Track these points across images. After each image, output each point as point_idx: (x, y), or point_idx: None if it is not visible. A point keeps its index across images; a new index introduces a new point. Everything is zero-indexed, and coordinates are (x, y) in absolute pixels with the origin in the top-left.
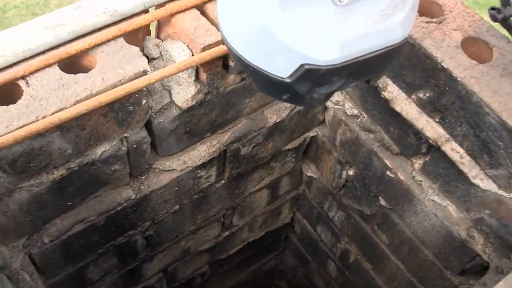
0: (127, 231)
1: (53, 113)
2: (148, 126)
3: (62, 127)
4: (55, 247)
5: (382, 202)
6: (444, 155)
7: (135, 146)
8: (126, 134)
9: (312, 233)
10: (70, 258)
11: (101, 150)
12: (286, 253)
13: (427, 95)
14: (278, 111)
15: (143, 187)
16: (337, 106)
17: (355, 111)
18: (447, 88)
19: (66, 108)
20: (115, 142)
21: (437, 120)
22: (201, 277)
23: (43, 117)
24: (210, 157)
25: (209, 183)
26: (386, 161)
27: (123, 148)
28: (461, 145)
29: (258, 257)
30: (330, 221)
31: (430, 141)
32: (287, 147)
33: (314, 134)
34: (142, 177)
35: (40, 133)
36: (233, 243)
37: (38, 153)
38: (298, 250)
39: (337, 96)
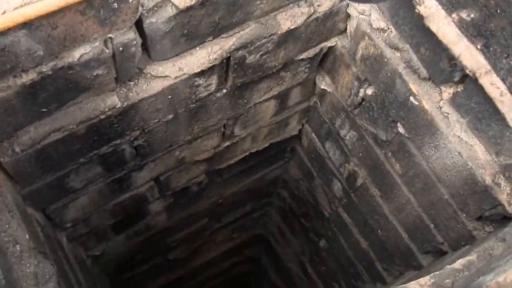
0: (112, 141)
1: (15, 9)
2: (139, 26)
3: (29, 25)
4: (28, 156)
5: (401, 129)
6: (480, 88)
7: (121, 48)
8: (110, 35)
9: (320, 149)
10: (47, 168)
11: (80, 52)
12: (291, 164)
13: (472, 16)
14: (293, 17)
15: (131, 94)
16: (362, 16)
17: (382, 24)
18: (498, 11)
19: (32, 2)
20: (96, 44)
21: (479, 47)
22: (198, 186)
23: (3, 13)
24: (211, 65)
25: (209, 92)
26: (411, 86)
27: (107, 50)
28: (503, 80)
29: (260, 167)
30: (341, 139)
31: (467, 70)
32: (301, 57)
33: (333, 45)
34: (131, 83)
35: (1, 31)
36: (234, 153)
37: (1, 54)
38: (304, 164)
39: (364, 5)
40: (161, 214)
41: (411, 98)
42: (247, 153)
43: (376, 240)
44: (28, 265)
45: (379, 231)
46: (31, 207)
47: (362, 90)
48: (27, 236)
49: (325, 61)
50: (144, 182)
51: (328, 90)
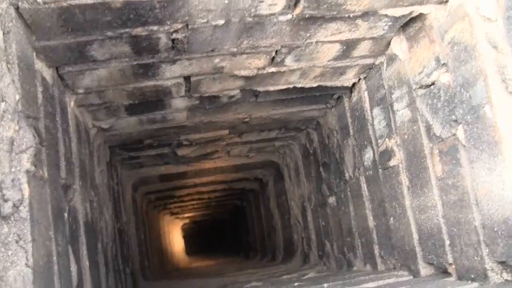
0: (149, 25)
1: None
2: None
3: None
4: (51, 11)
5: (460, 133)
6: None
7: None
8: None
9: (366, 111)
10: (70, 29)
11: None
12: (332, 112)
13: None
14: None
15: None
16: None
17: (491, 14)
18: None
19: None
20: None
21: None
22: (229, 98)
23: None
24: None
25: (271, 12)
26: (493, 95)
27: None
28: None
29: (299, 103)
30: (392, 112)
31: None
32: (386, 12)
33: (426, 13)
34: None
35: None
36: (278, 81)
37: None
38: (345, 117)
39: None
40: (182, 112)
41: (487, 108)
42: (290, 86)
43: (384, 226)
44: (8, 128)
45: (391, 218)
46: (43, 62)
47: (436, 74)
48: (17, 97)
49: (409, 26)
50: (173, 77)
51: (401, 57)
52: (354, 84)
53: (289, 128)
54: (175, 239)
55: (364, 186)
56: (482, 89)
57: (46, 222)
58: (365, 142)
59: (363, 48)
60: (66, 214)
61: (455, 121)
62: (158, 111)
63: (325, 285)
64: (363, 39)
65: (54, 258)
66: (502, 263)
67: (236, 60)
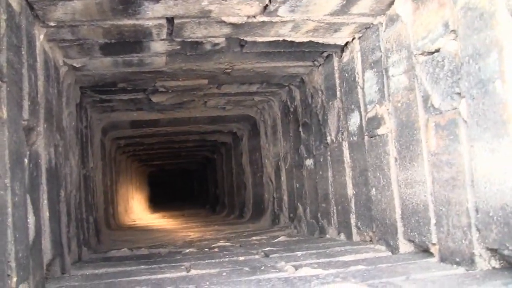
0: None
1: None
2: None
3: None
4: None
5: (462, 108)
6: None
7: None
8: None
9: (357, 73)
10: None
11: None
12: (319, 70)
13: None
14: None
15: None
16: None
17: None
18: None
19: None
20: None
21: None
22: (212, 46)
23: None
24: None
25: None
26: (507, 68)
27: None
28: None
29: (285, 58)
30: (387, 77)
31: None
32: None
33: None
34: None
35: None
36: (267, 32)
37: None
38: (332, 78)
39: None
40: (161, 56)
41: (497, 83)
42: (280, 39)
43: (365, 196)
44: None
45: (373, 189)
46: None
47: (442, 40)
48: None
49: None
50: (155, 17)
51: (403, 19)
52: (347, 43)
53: (271, 83)
54: (142, 187)
55: (346, 152)
56: (495, 62)
57: (2, 169)
58: (353, 106)
59: (364, 5)
60: (26, 160)
61: (458, 94)
62: (135, 53)
63: (299, 253)
64: None
65: (9, 209)
66: (492, 250)
67: (226, 5)
